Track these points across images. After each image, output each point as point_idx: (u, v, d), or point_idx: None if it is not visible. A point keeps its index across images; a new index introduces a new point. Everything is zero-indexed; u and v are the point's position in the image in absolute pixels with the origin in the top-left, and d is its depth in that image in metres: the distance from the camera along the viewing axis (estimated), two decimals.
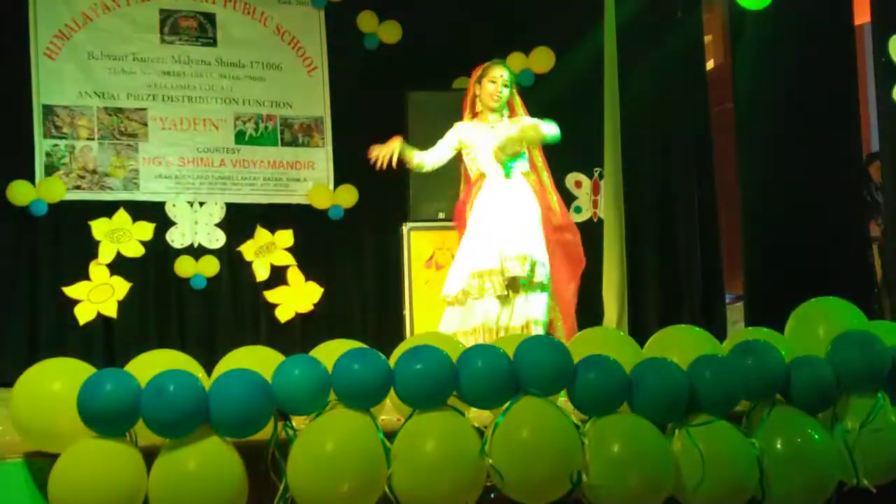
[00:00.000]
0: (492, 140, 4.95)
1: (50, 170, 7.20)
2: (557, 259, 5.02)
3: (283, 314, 7.76)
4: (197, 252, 7.55)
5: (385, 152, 5.02)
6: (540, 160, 5.16)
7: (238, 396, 3.16)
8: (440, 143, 5.16)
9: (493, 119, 5.05)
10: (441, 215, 7.69)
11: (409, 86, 7.85)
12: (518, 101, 5.16)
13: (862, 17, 6.64)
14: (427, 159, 5.15)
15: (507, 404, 3.37)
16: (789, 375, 3.62)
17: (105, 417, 3.08)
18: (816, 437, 3.57)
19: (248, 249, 7.73)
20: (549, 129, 4.99)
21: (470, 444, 3.32)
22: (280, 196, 7.91)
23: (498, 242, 4.83)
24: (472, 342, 4.65)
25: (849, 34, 6.40)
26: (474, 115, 5.10)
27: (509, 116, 5.10)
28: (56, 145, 7.26)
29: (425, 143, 7.66)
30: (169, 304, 7.51)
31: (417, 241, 7.55)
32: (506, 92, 4.99)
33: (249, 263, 7.73)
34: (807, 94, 6.39)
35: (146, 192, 7.49)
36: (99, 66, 7.43)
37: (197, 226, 7.58)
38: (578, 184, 7.79)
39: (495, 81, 4.99)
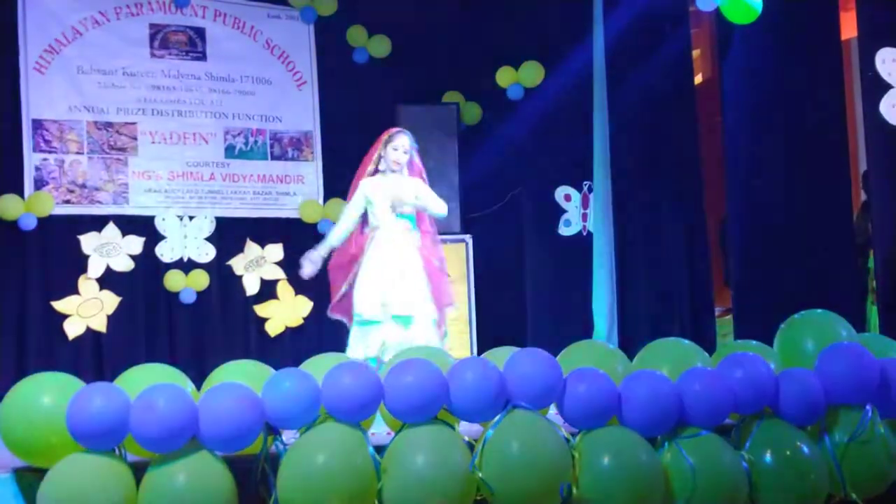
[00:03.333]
0: (390, 193, 5.39)
1: (39, 184, 7.19)
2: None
3: (273, 328, 7.76)
4: (186, 266, 7.54)
5: (310, 270, 5.49)
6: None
7: (228, 410, 3.16)
8: (346, 210, 5.49)
9: (392, 176, 5.46)
10: None
11: (399, 99, 7.88)
12: (417, 161, 5.56)
13: (848, 32, 6.68)
14: (336, 240, 5.50)
15: (497, 418, 3.37)
16: (778, 388, 3.64)
17: (94, 432, 3.08)
18: (805, 449, 3.58)
19: (237, 263, 7.73)
20: (440, 208, 5.47)
21: (460, 457, 3.32)
22: (270, 210, 7.92)
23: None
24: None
25: (836, 48, 6.43)
26: (375, 171, 5.47)
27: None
28: (45, 159, 7.25)
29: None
30: (158, 318, 7.49)
31: None
32: (405, 158, 5.42)
33: (239, 277, 7.73)
34: (795, 108, 6.41)
35: (136, 206, 7.48)
36: (88, 81, 7.43)
37: (186, 240, 7.57)
38: (568, 197, 7.81)
39: (397, 149, 5.42)
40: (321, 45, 8.14)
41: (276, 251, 7.82)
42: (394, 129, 5.57)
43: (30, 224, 7.06)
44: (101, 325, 7.23)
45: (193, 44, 7.80)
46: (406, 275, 5.27)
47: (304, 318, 7.83)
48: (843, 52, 6.58)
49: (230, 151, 7.83)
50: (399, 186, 5.40)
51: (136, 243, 7.41)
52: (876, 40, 5.83)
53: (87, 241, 7.28)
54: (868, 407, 3.70)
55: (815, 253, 6.27)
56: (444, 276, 5.53)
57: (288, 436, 3.39)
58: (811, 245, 6.30)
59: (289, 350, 7.66)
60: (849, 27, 6.56)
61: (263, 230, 7.85)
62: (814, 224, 6.30)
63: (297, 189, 8.00)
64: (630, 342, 7.04)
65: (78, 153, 7.35)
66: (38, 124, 7.24)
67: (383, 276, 5.25)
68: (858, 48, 6.07)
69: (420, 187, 5.47)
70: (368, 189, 5.43)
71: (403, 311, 5.18)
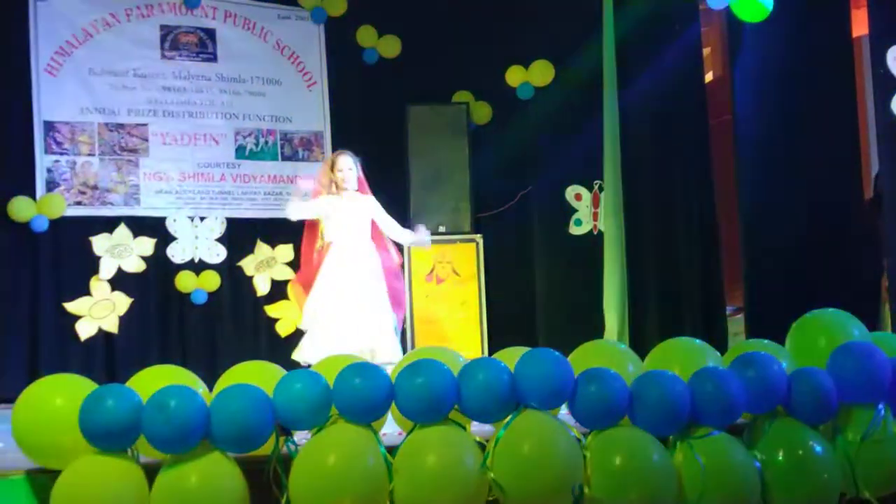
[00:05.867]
0: (347, 210, 5.83)
1: (51, 186, 7.21)
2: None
3: (284, 329, 7.76)
4: (198, 267, 7.56)
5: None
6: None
7: (239, 411, 3.17)
8: (310, 205, 5.95)
9: (346, 195, 5.87)
10: (441, 228, 7.71)
11: (409, 100, 7.89)
12: (362, 176, 5.97)
13: (859, 30, 6.65)
14: (295, 214, 5.99)
15: (508, 418, 3.37)
16: (790, 387, 3.62)
17: (107, 433, 3.09)
18: (818, 448, 3.57)
19: (248, 264, 7.74)
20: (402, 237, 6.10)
21: (471, 458, 3.31)
22: (280, 210, 7.83)
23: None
24: None
25: (847, 46, 6.41)
26: (331, 190, 5.88)
27: (357, 190, 5.95)
28: (57, 161, 7.27)
29: (425, 155, 7.75)
30: (170, 319, 7.51)
31: (418, 255, 7.57)
32: (352, 175, 5.86)
33: (250, 278, 7.74)
34: (805, 106, 6.40)
35: (147, 207, 7.50)
36: (99, 82, 7.45)
37: (197, 241, 7.59)
38: (578, 196, 7.80)
39: (342, 170, 5.84)
40: (331, 46, 8.15)
41: (286, 252, 7.82)
42: (336, 152, 6.00)
43: (41, 226, 7.08)
44: (112, 327, 7.25)
45: (204, 45, 7.82)
46: (365, 296, 5.62)
47: None
48: (853, 49, 6.56)
49: (241, 152, 7.85)
50: (357, 208, 5.83)
51: (147, 244, 7.43)
52: (887, 38, 5.81)
53: (99, 243, 7.30)
54: (880, 406, 3.68)
55: (826, 252, 6.25)
56: (401, 282, 6.06)
57: (299, 436, 3.40)
58: (823, 244, 6.28)
59: None
60: (860, 24, 6.54)
61: (274, 231, 7.84)
62: (825, 222, 6.28)
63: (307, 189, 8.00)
64: (641, 342, 7.02)
65: (89, 155, 7.38)
66: (49, 126, 7.26)
67: (339, 308, 5.57)
68: (870, 46, 6.04)
69: (377, 209, 5.93)
70: (325, 204, 5.83)
71: (368, 345, 5.49)
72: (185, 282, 7.49)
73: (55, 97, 7.29)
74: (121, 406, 3.09)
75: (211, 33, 7.86)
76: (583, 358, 3.66)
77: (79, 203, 7.30)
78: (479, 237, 7.70)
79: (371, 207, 5.93)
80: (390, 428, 3.60)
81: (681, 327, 7.16)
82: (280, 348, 7.62)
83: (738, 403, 3.52)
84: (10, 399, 3.43)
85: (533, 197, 7.99)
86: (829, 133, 6.32)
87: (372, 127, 7.89)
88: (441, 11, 8.00)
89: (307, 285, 5.85)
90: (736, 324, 7.43)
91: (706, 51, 8.32)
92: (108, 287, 7.29)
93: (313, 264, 5.89)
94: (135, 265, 7.38)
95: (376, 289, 5.74)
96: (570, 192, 7.82)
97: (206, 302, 7.56)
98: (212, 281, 7.57)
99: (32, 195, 7.13)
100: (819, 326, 3.93)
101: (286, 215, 6.01)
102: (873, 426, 3.64)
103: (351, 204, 5.84)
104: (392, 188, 7.88)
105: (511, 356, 3.53)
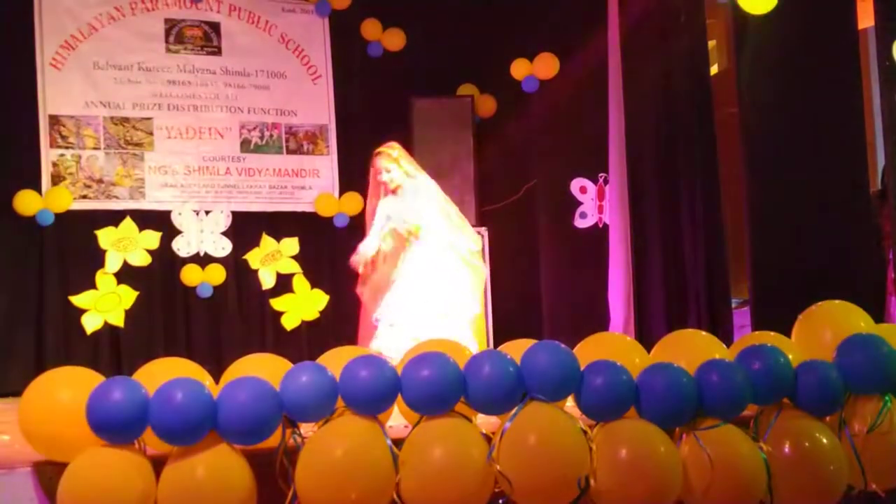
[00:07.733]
0: (404, 209, 5.61)
1: (56, 179, 7.23)
2: None
3: (289, 322, 7.77)
4: (203, 260, 7.57)
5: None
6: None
7: (246, 404, 3.17)
8: (374, 230, 5.70)
9: (400, 191, 5.65)
10: None
11: (413, 93, 7.88)
12: (411, 163, 5.72)
13: (865, 21, 6.64)
14: (371, 250, 5.69)
15: (514, 410, 3.37)
16: (796, 379, 3.62)
17: (113, 426, 3.09)
18: (824, 440, 3.57)
19: (253, 257, 7.74)
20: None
21: (478, 450, 3.32)
22: (285, 204, 7.93)
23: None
24: None
25: (853, 38, 6.39)
26: (383, 194, 5.67)
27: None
28: (62, 155, 7.28)
29: (430, 148, 7.74)
30: (175, 312, 7.52)
31: None
32: (397, 173, 5.60)
33: (255, 271, 7.75)
34: (811, 98, 6.38)
35: (152, 200, 7.51)
36: (104, 76, 7.46)
37: (203, 234, 7.60)
38: (583, 189, 7.79)
39: (381, 172, 5.63)
40: (336, 39, 8.15)
41: (291, 245, 7.83)
42: (375, 153, 5.71)
43: (47, 219, 7.09)
44: (118, 320, 7.26)
45: (208, 38, 7.82)
46: (436, 284, 5.42)
47: (320, 312, 7.84)
48: (859, 41, 6.54)
49: (246, 146, 7.85)
50: (414, 201, 5.57)
51: (152, 238, 7.44)
52: (893, 29, 5.79)
53: (104, 236, 7.31)
54: (887, 397, 3.68)
55: (832, 244, 6.24)
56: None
57: (306, 429, 3.40)
58: (829, 236, 6.27)
59: (305, 343, 7.68)
60: (865, 16, 6.52)
61: (279, 224, 7.87)
62: (831, 215, 6.27)
63: (312, 183, 8.01)
64: (647, 334, 7.03)
65: (95, 148, 7.39)
66: (54, 120, 7.27)
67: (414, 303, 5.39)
68: (875, 37, 6.03)
69: (424, 213, 5.58)
70: (386, 207, 5.64)
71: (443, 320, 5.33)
72: (191, 275, 7.50)
73: (60, 91, 7.30)
74: (128, 398, 3.10)
75: (215, 27, 7.86)
76: (589, 350, 3.66)
77: (84, 197, 7.31)
78: (484, 230, 7.69)
79: (424, 194, 5.67)
80: (396, 420, 3.60)
81: (686, 319, 7.16)
82: (285, 341, 7.65)
83: (745, 395, 3.52)
84: (16, 392, 3.43)
85: (538, 190, 7.98)
86: (834, 125, 6.30)
87: (376, 120, 7.88)
88: (445, 4, 8.00)
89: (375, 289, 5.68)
90: (742, 316, 7.43)
91: (712, 43, 8.30)
92: (113, 280, 7.30)
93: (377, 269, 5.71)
94: (140, 259, 7.39)
95: (449, 280, 5.54)
96: (576, 184, 7.81)
97: (211, 295, 7.57)
98: (217, 274, 7.58)
99: (38, 189, 7.15)
100: (825, 318, 3.93)
101: (361, 257, 5.70)
102: (880, 418, 3.64)
103: (407, 199, 5.62)
104: None
105: (517, 348, 3.54)
